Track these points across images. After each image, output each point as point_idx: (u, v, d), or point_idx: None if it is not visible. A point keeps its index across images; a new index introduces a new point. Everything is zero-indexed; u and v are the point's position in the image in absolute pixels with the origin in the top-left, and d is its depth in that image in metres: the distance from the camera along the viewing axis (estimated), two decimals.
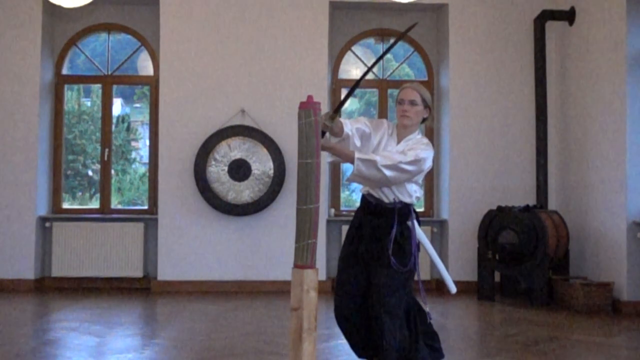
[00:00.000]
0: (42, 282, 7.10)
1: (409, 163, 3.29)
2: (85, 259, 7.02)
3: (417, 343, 3.43)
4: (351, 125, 3.36)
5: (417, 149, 3.35)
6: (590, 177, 6.52)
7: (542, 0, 7.18)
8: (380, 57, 3.48)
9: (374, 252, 3.43)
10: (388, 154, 3.34)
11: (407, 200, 3.43)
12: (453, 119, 7.18)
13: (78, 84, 8.29)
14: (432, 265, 6.58)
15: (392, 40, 7.62)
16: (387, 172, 3.24)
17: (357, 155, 3.24)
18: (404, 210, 3.44)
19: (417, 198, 3.49)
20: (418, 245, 3.50)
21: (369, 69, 3.54)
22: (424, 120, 3.55)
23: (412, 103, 3.45)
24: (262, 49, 7.11)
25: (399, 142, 3.47)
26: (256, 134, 6.96)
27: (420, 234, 3.53)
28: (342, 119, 3.33)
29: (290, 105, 6.75)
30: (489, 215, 6.57)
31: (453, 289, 3.68)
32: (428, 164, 3.40)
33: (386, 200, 3.43)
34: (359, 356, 3.63)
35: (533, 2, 7.22)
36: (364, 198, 3.53)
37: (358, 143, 3.37)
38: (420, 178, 3.47)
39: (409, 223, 3.46)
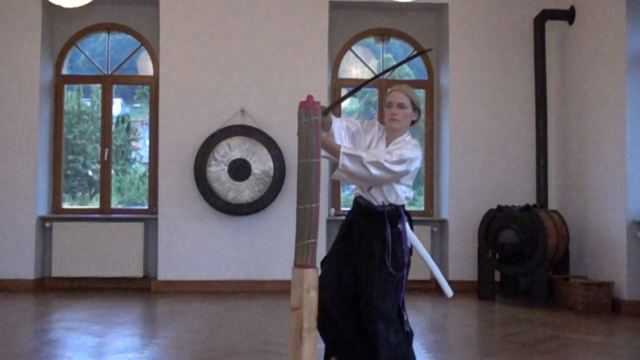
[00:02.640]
0: (42, 282, 7.11)
1: (395, 162, 3.23)
2: (85, 259, 7.02)
3: (409, 345, 3.42)
4: (340, 123, 3.34)
5: (404, 149, 3.30)
6: (590, 177, 6.52)
7: (542, 0, 7.18)
8: (385, 71, 3.42)
9: (362, 253, 3.40)
10: (375, 151, 3.30)
11: (396, 202, 3.40)
12: (453, 119, 7.18)
13: (78, 84, 8.29)
14: None
15: (392, 40, 7.64)
16: (373, 170, 3.19)
17: (343, 149, 3.17)
18: (394, 212, 3.41)
19: (407, 199, 3.44)
20: (410, 249, 3.47)
21: (375, 77, 3.51)
22: (413, 122, 3.53)
23: (401, 106, 3.42)
24: (262, 48, 7.11)
25: (387, 145, 3.43)
26: (256, 134, 6.96)
27: (413, 237, 3.48)
28: (333, 117, 3.31)
29: (290, 105, 6.75)
30: (489, 215, 6.56)
31: (449, 293, 3.59)
32: (415, 165, 3.34)
33: (375, 203, 3.40)
34: (328, 349, 3.54)
35: (533, 1, 7.22)
36: (356, 200, 3.52)
37: (347, 143, 3.34)
38: (409, 179, 3.42)
39: (400, 226, 3.43)
